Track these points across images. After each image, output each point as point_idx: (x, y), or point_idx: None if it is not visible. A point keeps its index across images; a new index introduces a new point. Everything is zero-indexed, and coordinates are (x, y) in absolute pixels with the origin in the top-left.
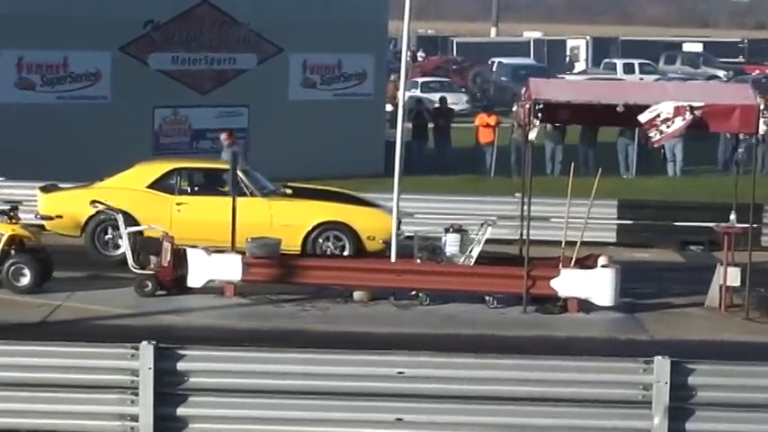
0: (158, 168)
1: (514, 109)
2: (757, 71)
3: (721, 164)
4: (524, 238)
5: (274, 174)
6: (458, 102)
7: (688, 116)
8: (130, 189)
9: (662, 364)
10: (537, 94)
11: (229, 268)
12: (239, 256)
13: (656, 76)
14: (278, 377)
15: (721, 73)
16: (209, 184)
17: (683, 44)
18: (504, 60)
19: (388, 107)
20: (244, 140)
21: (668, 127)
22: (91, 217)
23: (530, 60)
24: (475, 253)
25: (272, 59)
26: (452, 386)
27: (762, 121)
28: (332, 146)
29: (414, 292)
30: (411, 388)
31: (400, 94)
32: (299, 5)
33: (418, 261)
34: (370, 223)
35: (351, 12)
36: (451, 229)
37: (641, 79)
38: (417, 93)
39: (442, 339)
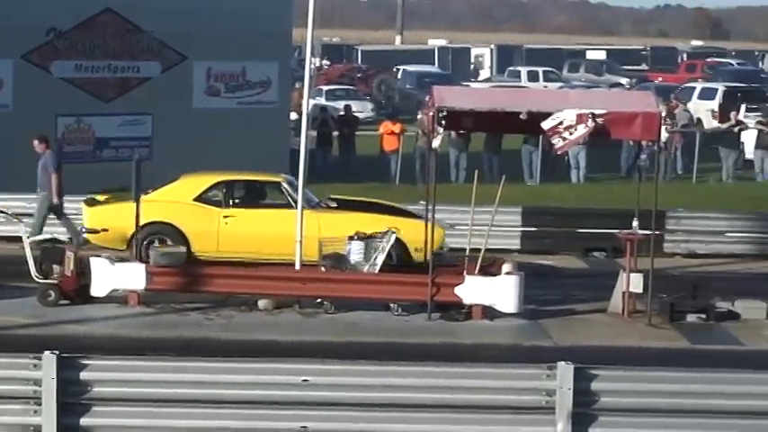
0: (205, 181)
1: (419, 117)
2: (660, 78)
3: (624, 171)
4: (429, 245)
5: None
6: (362, 110)
7: (590, 123)
8: (177, 202)
9: (565, 370)
10: (440, 102)
11: (133, 277)
12: (143, 266)
13: (560, 84)
14: (182, 386)
15: (624, 80)
16: (257, 196)
17: (587, 52)
18: (409, 68)
19: (293, 115)
20: (148, 149)
21: (571, 134)
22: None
23: (434, 68)
24: (379, 261)
25: (176, 67)
26: (357, 393)
27: (663, 128)
28: (236, 154)
29: (318, 300)
30: (316, 396)
31: (304, 101)
32: (203, 13)
33: (323, 269)
34: (418, 235)
35: (255, 20)
36: (356, 237)
37: (545, 87)
38: (322, 101)
39: (347, 347)
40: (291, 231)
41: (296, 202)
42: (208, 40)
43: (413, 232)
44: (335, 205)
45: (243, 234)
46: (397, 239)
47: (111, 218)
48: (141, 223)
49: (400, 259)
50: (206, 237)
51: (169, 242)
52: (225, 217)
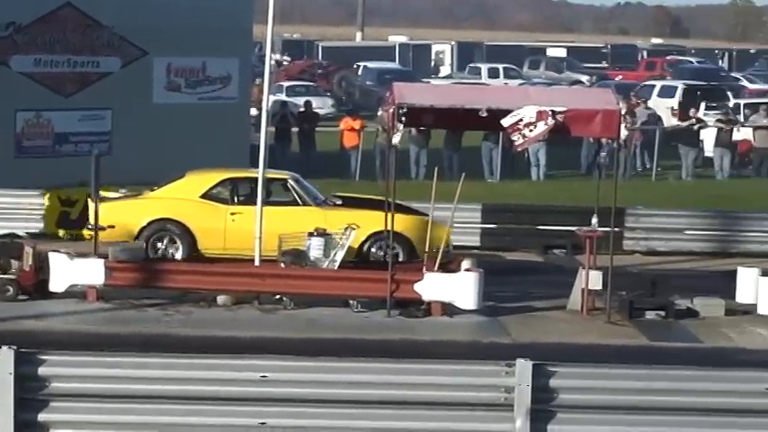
0: (211, 178)
1: (379, 113)
2: (620, 76)
3: (584, 168)
4: (389, 242)
5: (138, 178)
6: (323, 106)
7: (550, 121)
8: (183, 199)
9: (524, 367)
10: (400, 99)
11: (92, 272)
12: (102, 261)
13: (521, 81)
14: (140, 382)
15: (584, 78)
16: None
17: (547, 49)
18: (370, 64)
19: (253, 111)
20: (107, 144)
21: (531, 131)
22: (143, 227)
23: (395, 65)
24: (339, 257)
25: (136, 63)
26: (316, 390)
27: (623, 125)
28: (196, 149)
29: (278, 297)
30: (274, 392)
31: (264, 97)
32: (164, 8)
33: (282, 265)
34: (423, 233)
35: (216, 15)
36: (315, 233)
37: (506, 84)
38: (283, 97)
39: (306, 343)
40: (299, 228)
41: (302, 199)
42: (168, 36)
43: (419, 229)
44: (340, 202)
45: (250, 231)
46: (403, 237)
47: (118, 214)
48: (148, 220)
49: (410, 257)
50: (213, 234)
51: (176, 240)
52: (232, 214)
